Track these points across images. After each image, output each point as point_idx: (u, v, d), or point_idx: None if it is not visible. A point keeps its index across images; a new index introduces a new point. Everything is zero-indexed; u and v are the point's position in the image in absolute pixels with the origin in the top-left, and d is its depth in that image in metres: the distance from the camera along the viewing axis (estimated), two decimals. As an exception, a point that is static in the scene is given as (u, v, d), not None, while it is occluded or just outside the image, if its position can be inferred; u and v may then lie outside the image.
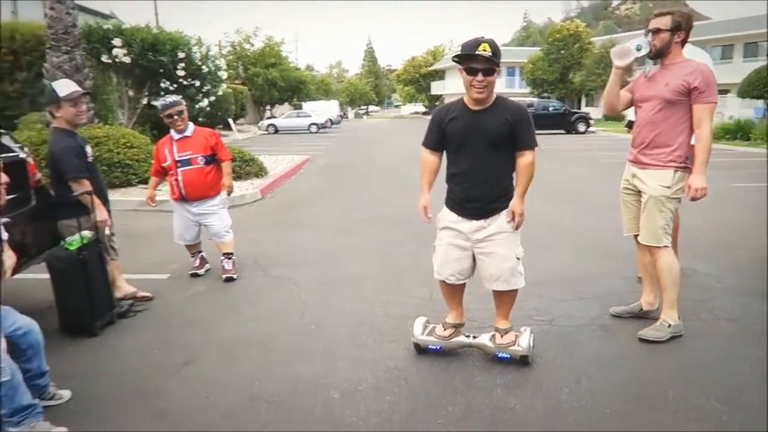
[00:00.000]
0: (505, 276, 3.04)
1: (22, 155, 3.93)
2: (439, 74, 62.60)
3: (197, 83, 12.74)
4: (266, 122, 34.97)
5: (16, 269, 3.49)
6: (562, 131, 27.15)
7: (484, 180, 2.96)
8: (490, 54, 2.74)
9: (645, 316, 3.67)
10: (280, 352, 3.37)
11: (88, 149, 4.13)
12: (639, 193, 3.49)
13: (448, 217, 3.11)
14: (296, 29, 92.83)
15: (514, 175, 3.02)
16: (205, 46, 13.17)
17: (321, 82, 63.41)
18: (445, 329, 3.26)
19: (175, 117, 4.74)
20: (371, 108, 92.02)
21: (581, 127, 27.32)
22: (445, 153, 3.13)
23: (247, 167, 10.62)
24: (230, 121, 28.56)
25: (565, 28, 42.17)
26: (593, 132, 27.48)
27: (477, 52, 2.73)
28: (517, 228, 2.98)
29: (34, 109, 11.03)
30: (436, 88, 62.86)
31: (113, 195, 8.51)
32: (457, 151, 3.01)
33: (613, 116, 19.36)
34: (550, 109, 28.33)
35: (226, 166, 4.99)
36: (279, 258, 5.48)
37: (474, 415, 2.63)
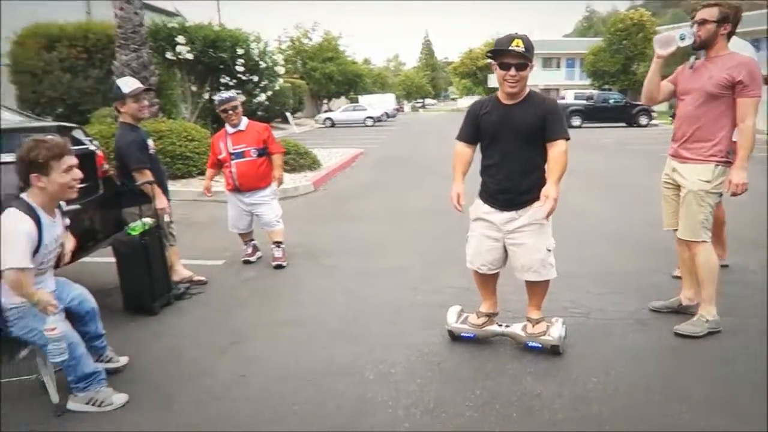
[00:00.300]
0: (536, 267, 3.09)
1: (92, 148, 4.26)
2: (497, 66, 61.69)
3: (255, 78, 13.15)
4: (323, 116, 35.55)
5: (83, 252, 3.84)
6: (623, 124, 26.37)
7: (516, 172, 3.03)
8: (523, 49, 2.82)
9: (684, 311, 3.65)
10: (319, 335, 3.56)
11: (150, 142, 4.45)
12: (679, 187, 3.47)
13: (481, 208, 3.20)
14: (354, 24, 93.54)
15: (546, 167, 3.04)
16: (263, 42, 13.56)
17: (378, 75, 63.75)
18: (478, 317, 3.36)
19: (230, 112, 5.01)
20: (428, 101, 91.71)
21: (643, 120, 26.41)
22: (479, 146, 3.21)
23: (301, 160, 10.93)
24: (288, 114, 29.24)
25: (629, 17, 40.71)
26: (656, 125, 26.50)
27: (510, 48, 2.82)
28: (548, 215, 2.89)
29: (105, 104, 11.70)
30: (494, 80, 61.86)
31: (174, 186, 9.00)
32: (491, 144, 3.10)
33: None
34: (611, 101, 27.55)
35: (277, 159, 5.23)
36: (327, 247, 5.69)
37: (501, 399, 2.73)
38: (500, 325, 3.35)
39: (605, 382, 2.87)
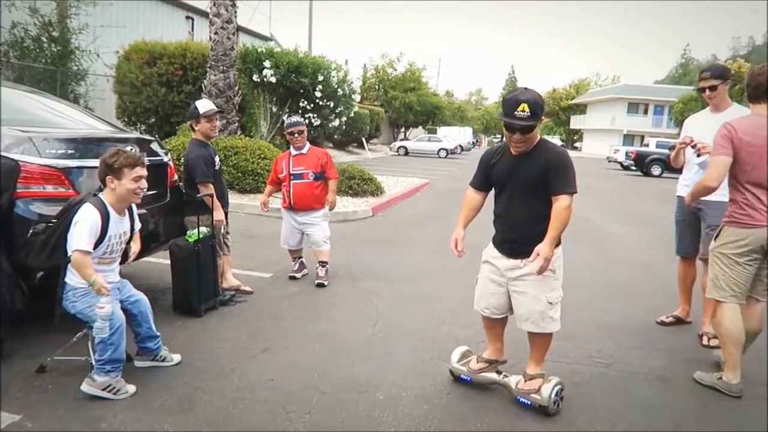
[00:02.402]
0: (534, 318, 3.06)
1: (165, 159, 4.74)
2: (581, 108, 60.78)
3: (331, 104, 13.77)
4: (398, 144, 36.20)
5: (146, 252, 4.26)
6: (707, 178, 25.22)
7: (521, 222, 3.04)
8: (528, 114, 2.81)
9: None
10: (345, 352, 3.78)
11: (217, 159, 4.88)
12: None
13: (490, 252, 3.24)
14: (441, 56, 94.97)
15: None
16: (343, 71, 14.20)
17: (458, 108, 64.26)
18: (477, 362, 3.36)
19: (296, 135, 5.40)
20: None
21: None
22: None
23: (365, 185, 11.31)
24: (363, 140, 30.05)
25: (727, 66, 39.06)
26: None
27: (515, 113, 2.83)
28: (539, 272, 2.85)
29: (191, 118, 12.61)
30: (576, 122, 61.02)
31: (242, 200, 9.58)
32: (499, 193, 3.16)
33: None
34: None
35: (332, 184, 5.55)
36: (370, 271, 5.93)
37: (499, 434, 2.84)
38: (499, 374, 3.32)
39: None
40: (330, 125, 14.62)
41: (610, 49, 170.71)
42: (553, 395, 3.01)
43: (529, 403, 3.07)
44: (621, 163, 29.57)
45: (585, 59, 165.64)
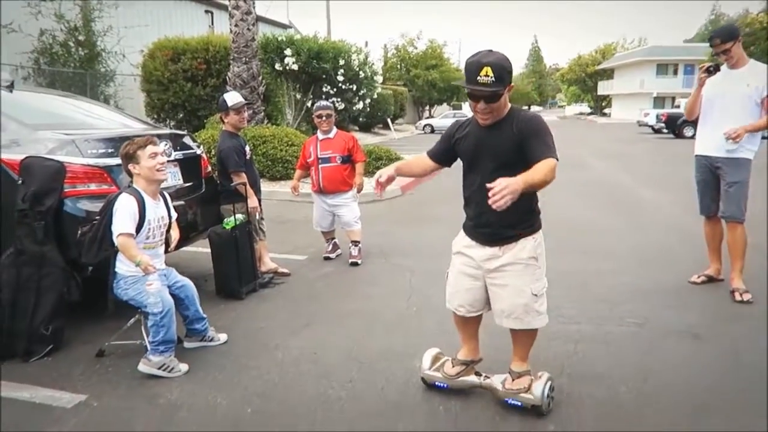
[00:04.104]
0: (518, 313, 2.69)
1: (198, 152, 4.93)
2: (608, 73, 59.36)
3: (354, 87, 13.86)
4: (423, 122, 36.09)
5: (187, 241, 4.47)
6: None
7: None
8: (493, 79, 2.40)
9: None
10: (380, 325, 3.94)
11: (247, 148, 5.05)
12: None
13: (461, 241, 2.86)
14: (461, 31, 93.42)
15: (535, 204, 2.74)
16: (363, 53, 14.24)
17: (481, 82, 63.37)
18: (453, 366, 2.97)
19: (324, 118, 5.54)
20: (533, 108, 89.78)
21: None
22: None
23: (392, 166, 11.38)
24: (388, 120, 30.04)
25: (757, 20, 37.58)
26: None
27: (478, 79, 2.42)
28: (494, 202, 2.18)
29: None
30: (603, 88, 59.70)
31: (274, 187, 9.79)
32: (469, 172, 2.75)
33: None
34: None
35: (359, 167, 5.68)
36: (402, 248, 6.06)
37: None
38: (479, 375, 2.96)
39: (638, 389, 2.99)
40: (354, 108, 14.71)
41: (636, 11, 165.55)
42: (546, 393, 2.72)
43: (519, 404, 2.75)
44: (652, 127, 28.94)
45: (610, 23, 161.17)
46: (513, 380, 2.81)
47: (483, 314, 2.92)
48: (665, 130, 26.90)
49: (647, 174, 12.42)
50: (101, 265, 3.40)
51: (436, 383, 2.99)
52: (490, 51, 2.51)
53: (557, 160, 2.44)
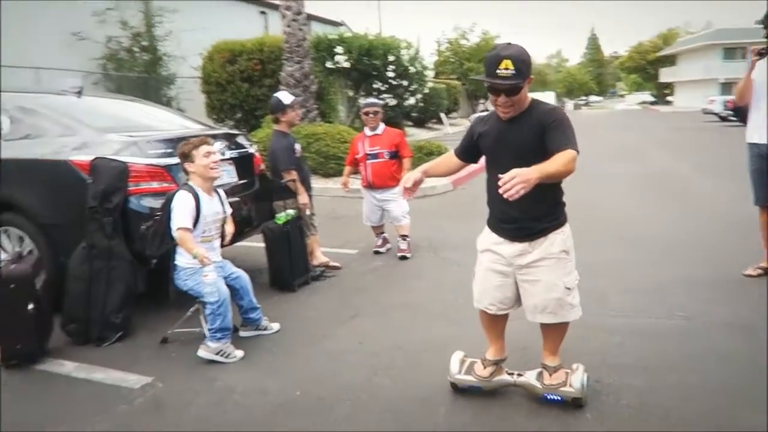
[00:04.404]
0: (552, 307, 2.68)
1: (251, 151, 5.16)
2: (670, 60, 57.02)
3: (405, 83, 13.94)
4: (476, 115, 35.46)
5: (241, 236, 4.70)
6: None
7: (524, 197, 2.20)
8: (513, 72, 2.41)
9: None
10: (426, 316, 4.05)
11: (298, 146, 5.25)
12: None
13: (489, 238, 2.82)
14: (515, 22, 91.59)
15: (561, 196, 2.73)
16: (413, 48, 14.30)
17: (537, 73, 62.16)
18: (485, 367, 2.92)
19: (371, 115, 5.69)
20: (592, 98, 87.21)
21: None
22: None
23: (443, 160, 11.41)
24: (442, 115, 29.94)
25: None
26: None
27: (497, 72, 2.42)
28: (505, 191, 2.14)
29: (273, 110, 13.27)
30: (666, 75, 57.34)
31: (327, 183, 10.02)
32: (491, 167, 2.72)
33: None
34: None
35: (406, 162, 5.79)
36: (451, 242, 6.13)
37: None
38: (511, 374, 2.92)
39: (682, 380, 2.98)
40: (405, 104, 14.80)
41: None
42: (584, 383, 2.73)
43: (560, 398, 2.74)
44: (718, 114, 27.59)
45: (672, 7, 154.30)
46: (550, 375, 2.80)
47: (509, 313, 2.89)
48: (732, 118, 25.63)
49: (707, 163, 11.96)
50: (163, 257, 3.65)
51: (469, 386, 2.92)
52: (509, 44, 2.52)
53: (577, 151, 2.41)
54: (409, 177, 2.80)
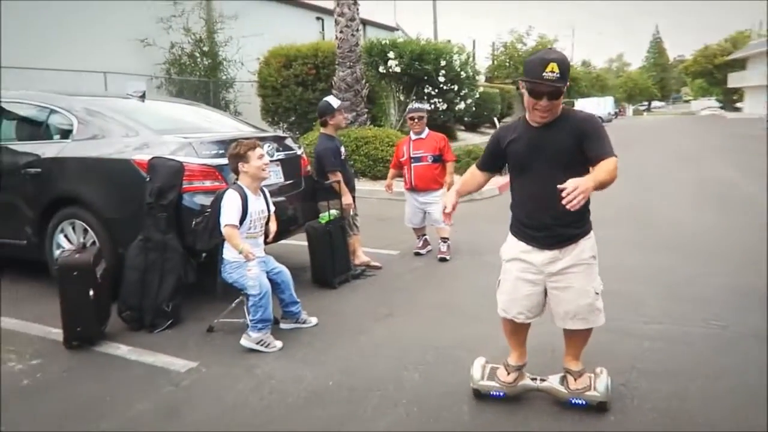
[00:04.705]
0: (583, 313, 2.71)
1: (299, 152, 5.39)
2: (740, 64, 54.47)
3: (455, 87, 14.01)
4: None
5: (286, 234, 4.92)
6: None
7: (555, 204, 2.36)
8: (558, 75, 2.44)
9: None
10: (460, 316, 4.15)
11: (343, 149, 5.44)
12: None
13: (516, 246, 2.81)
14: (573, 24, 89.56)
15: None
16: (465, 53, 14.36)
17: (596, 77, 60.69)
18: (508, 373, 2.93)
19: (416, 120, 5.84)
20: (654, 104, 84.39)
21: None
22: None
23: (491, 166, 11.42)
24: (495, 119, 29.73)
25: None
26: None
27: (543, 74, 2.44)
28: (568, 202, 2.23)
29: (326, 114, 13.59)
30: (734, 80, 54.80)
31: (374, 186, 10.21)
32: (522, 174, 2.74)
33: None
34: None
35: (449, 166, 5.90)
36: (491, 246, 6.07)
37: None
38: (534, 379, 2.94)
39: (708, 387, 2.97)
40: (456, 108, 14.86)
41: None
42: (610, 388, 2.76)
43: (584, 403, 2.78)
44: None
45: (742, 8, 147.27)
46: (575, 380, 2.82)
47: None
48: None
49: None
50: (212, 251, 3.90)
51: (492, 393, 2.93)
52: (551, 49, 2.62)
53: (616, 156, 2.48)
54: (447, 203, 2.86)
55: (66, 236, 4.56)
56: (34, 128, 5.01)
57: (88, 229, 4.42)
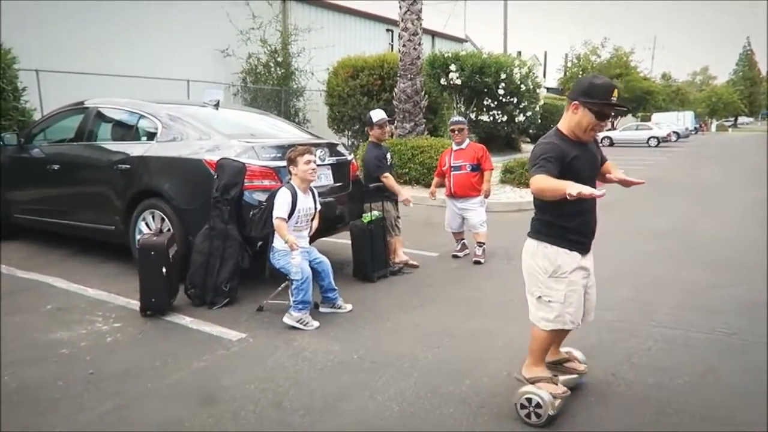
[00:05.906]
0: (594, 305, 3.12)
1: (349, 158, 5.97)
2: (837, 79, 51.04)
3: (515, 100, 14.28)
4: (601, 135, 34.56)
5: (334, 231, 5.51)
6: None
7: (595, 213, 2.96)
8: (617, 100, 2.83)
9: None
10: (478, 310, 4.59)
11: (389, 156, 5.99)
12: None
13: (574, 257, 2.89)
14: (655, 35, 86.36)
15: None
16: (526, 67, 14.61)
17: (676, 91, 58.44)
18: (556, 384, 3.01)
19: (456, 132, 6.31)
20: (742, 119, 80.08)
21: None
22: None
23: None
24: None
25: None
26: None
27: (612, 99, 2.76)
28: (629, 182, 2.86)
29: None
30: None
31: (425, 192, 10.65)
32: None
33: None
34: None
35: (487, 175, 6.31)
36: (527, 253, 6.52)
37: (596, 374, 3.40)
38: (563, 370, 3.26)
39: (693, 383, 3.28)
40: (516, 120, 15.11)
41: None
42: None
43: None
44: None
45: None
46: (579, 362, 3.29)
47: None
48: None
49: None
50: (265, 241, 4.53)
51: (562, 405, 2.97)
52: (597, 76, 2.92)
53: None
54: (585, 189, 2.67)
55: (146, 224, 5.33)
56: (126, 130, 5.86)
57: (165, 218, 5.16)
